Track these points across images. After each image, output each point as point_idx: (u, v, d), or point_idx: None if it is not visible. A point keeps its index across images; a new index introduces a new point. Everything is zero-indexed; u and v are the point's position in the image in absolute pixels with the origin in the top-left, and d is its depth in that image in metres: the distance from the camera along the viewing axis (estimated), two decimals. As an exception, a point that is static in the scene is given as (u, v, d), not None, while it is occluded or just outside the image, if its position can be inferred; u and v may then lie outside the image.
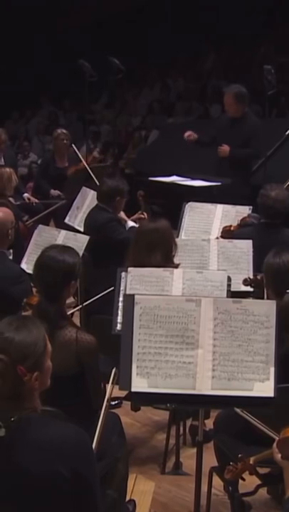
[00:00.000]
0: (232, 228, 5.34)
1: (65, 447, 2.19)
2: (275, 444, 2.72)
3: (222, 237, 5.31)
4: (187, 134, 7.43)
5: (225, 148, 7.03)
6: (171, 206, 6.36)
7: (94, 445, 2.94)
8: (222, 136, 7.13)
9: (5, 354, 2.22)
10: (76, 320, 4.59)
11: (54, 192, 8.04)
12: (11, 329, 2.27)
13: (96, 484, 2.27)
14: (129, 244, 4.57)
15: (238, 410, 3.17)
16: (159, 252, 4.25)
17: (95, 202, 5.87)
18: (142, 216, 5.96)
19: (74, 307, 5.25)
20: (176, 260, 4.40)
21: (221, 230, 5.43)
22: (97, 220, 5.55)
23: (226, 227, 5.41)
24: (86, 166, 7.67)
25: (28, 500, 2.18)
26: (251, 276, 4.52)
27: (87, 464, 2.24)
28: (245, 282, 4.49)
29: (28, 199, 7.88)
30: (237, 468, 2.89)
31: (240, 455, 2.92)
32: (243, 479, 3.15)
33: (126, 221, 5.74)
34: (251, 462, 2.90)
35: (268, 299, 3.75)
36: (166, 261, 4.26)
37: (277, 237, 4.91)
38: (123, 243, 5.04)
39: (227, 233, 5.32)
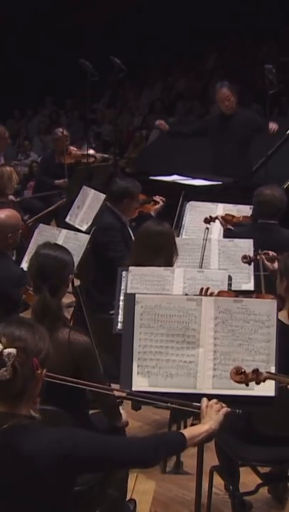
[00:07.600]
0: (234, 219, 5.32)
1: (53, 458, 2.17)
2: None
3: (223, 219, 5.31)
4: (158, 122, 7.65)
5: (274, 127, 7.11)
6: (172, 205, 6.35)
7: None
8: (219, 133, 7.17)
9: (23, 347, 2.20)
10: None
11: (58, 181, 8.03)
12: (20, 327, 2.26)
13: None
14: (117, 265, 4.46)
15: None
16: (162, 256, 4.24)
17: (96, 201, 5.85)
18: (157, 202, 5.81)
19: (74, 307, 5.24)
20: (176, 262, 4.39)
21: (222, 215, 5.41)
22: (99, 222, 5.51)
23: (228, 215, 5.38)
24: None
25: (9, 507, 2.18)
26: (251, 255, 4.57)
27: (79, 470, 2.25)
28: (245, 259, 4.53)
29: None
30: (248, 377, 2.77)
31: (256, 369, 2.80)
32: (246, 384, 2.99)
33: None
34: (264, 375, 2.78)
35: (279, 293, 3.70)
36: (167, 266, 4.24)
37: (273, 234, 4.93)
38: (112, 261, 4.92)
39: (227, 222, 5.30)
